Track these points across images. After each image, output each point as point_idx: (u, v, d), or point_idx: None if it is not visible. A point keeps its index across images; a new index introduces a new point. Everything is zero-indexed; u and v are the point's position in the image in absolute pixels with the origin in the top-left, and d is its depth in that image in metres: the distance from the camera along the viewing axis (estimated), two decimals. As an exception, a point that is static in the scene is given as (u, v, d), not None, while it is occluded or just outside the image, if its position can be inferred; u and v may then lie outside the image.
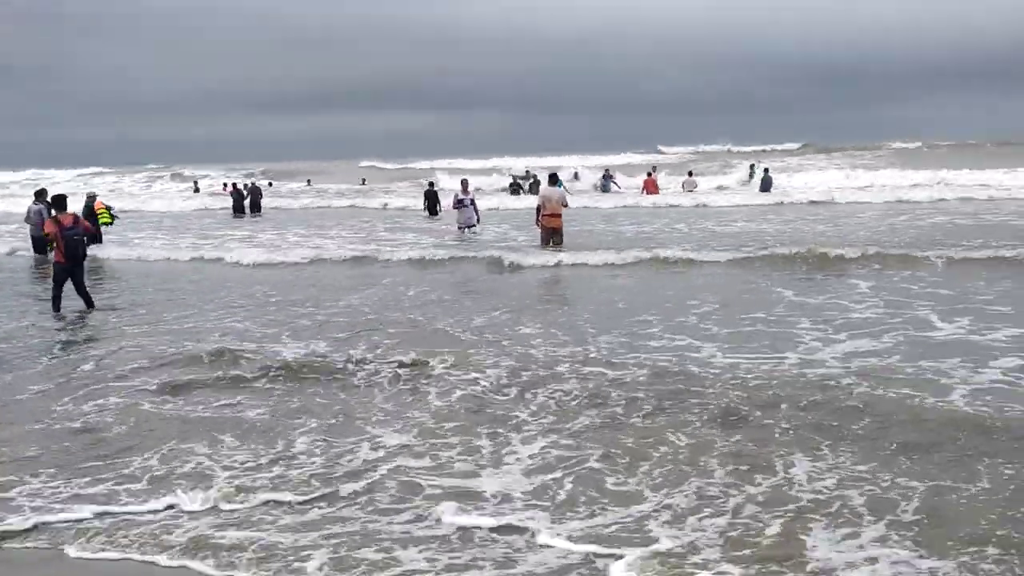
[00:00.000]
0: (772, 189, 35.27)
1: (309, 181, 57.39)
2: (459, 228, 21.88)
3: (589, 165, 50.14)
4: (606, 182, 41.14)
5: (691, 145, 71.67)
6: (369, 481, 5.97)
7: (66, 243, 12.52)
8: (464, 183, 22.41)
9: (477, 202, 22.38)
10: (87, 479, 6.15)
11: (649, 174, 38.51)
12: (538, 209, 18.59)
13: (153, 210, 38.81)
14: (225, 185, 46.39)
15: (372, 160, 70.82)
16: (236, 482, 6.00)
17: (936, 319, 10.05)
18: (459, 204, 21.84)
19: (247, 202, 34.93)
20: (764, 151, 64.27)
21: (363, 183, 53.16)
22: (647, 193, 35.34)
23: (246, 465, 6.34)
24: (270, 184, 52.09)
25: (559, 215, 18.15)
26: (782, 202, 30.36)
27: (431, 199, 29.31)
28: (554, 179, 19.38)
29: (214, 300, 13.69)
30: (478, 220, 21.89)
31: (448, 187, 43.40)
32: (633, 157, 65.04)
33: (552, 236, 18.17)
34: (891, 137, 66.62)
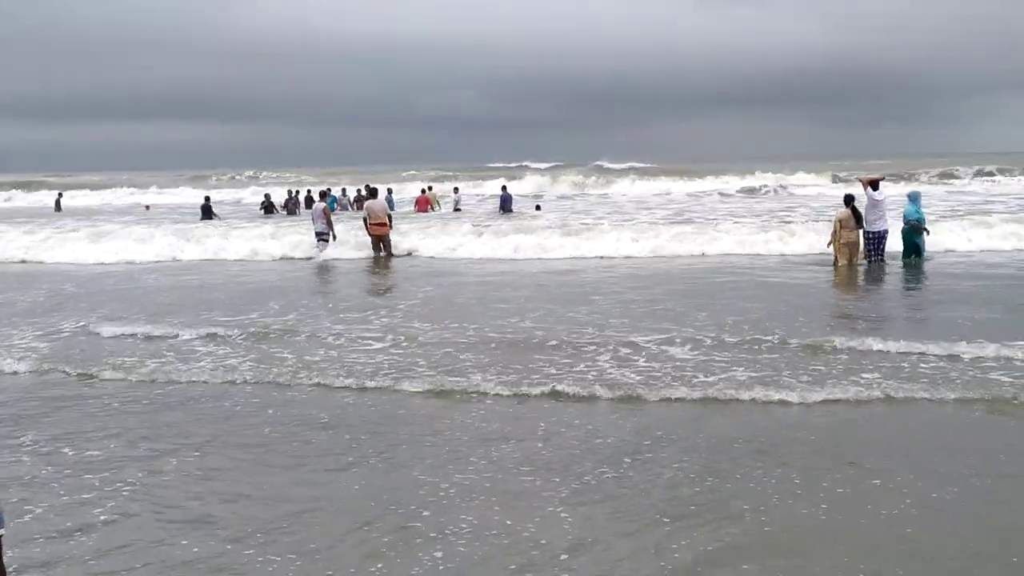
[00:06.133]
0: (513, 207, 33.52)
1: (148, 207, 44.46)
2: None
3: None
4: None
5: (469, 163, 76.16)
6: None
7: None
8: (322, 194, 24.36)
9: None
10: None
11: (423, 191, 37.89)
12: (365, 220, 21.19)
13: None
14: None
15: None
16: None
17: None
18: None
19: None
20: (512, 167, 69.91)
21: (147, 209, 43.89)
22: (418, 211, 34.10)
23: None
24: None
25: (384, 223, 20.90)
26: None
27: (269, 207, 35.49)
28: (374, 192, 22.19)
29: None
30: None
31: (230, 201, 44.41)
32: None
33: (381, 242, 20.85)
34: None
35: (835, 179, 50.95)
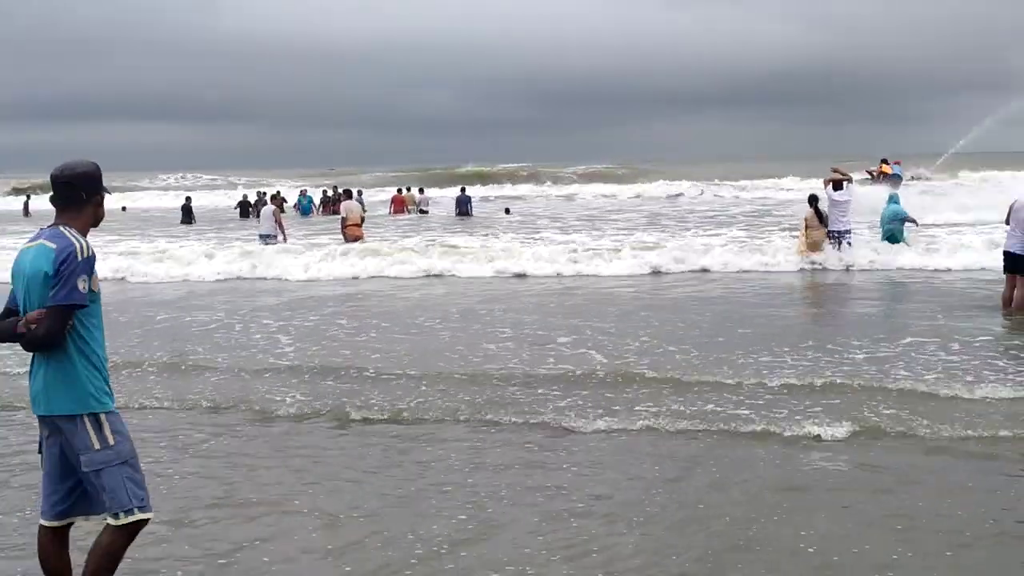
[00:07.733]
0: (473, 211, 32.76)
1: (124, 209, 43.28)
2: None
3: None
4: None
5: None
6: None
7: None
8: (272, 197, 25.16)
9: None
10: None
11: (399, 191, 37.46)
12: (343, 221, 21.56)
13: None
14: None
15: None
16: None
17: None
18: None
19: None
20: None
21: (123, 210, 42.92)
22: (393, 212, 34.06)
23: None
24: None
25: (359, 225, 21.39)
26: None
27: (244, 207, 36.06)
28: (348, 194, 22.81)
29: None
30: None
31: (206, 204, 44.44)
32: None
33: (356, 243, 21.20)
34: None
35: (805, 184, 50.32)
